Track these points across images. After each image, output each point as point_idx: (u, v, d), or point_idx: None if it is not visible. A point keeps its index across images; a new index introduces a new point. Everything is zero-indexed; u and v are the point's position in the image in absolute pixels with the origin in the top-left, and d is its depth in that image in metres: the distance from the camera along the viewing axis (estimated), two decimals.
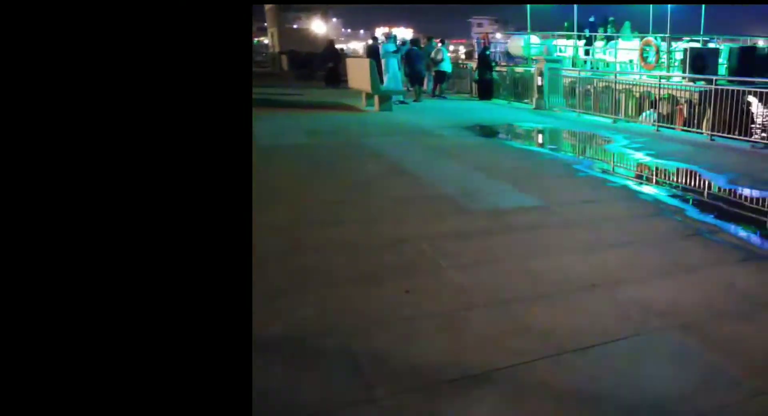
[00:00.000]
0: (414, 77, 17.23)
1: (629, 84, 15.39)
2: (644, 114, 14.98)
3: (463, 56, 27.40)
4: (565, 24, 21.81)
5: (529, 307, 3.54)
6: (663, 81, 14.82)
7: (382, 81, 14.90)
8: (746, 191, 6.84)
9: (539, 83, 15.90)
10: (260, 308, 2.93)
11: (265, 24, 44.47)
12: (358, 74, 15.12)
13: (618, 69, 17.49)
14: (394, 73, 15.99)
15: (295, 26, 42.19)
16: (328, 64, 23.07)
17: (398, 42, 17.78)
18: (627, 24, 19.91)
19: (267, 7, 40.35)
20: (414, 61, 17.05)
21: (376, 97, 14.23)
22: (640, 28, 19.69)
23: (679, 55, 16.70)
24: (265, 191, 6.03)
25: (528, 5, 21.77)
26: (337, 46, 31.35)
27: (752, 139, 10.31)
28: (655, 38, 17.51)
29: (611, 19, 21.01)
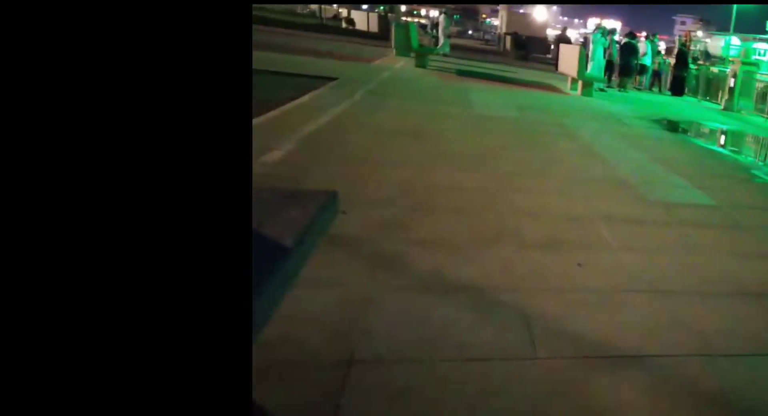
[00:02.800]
0: (623, 68, 15.78)
1: None
2: None
3: (663, 52, 24.70)
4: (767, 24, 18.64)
5: (685, 301, 3.15)
6: None
7: (587, 68, 13.84)
8: None
9: (731, 85, 13.88)
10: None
11: (498, 7, 42.93)
12: (567, 60, 14.16)
13: None
14: (598, 61, 14.78)
15: (521, 11, 40.29)
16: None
17: (606, 32, 16.29)
18: None
19: None
20: (626, 53, 15.59)
21: (579, 82, 13.26)
22: None
23: None
24: (470, 158, 5.90)
25: (734, 5, 18.81)
26: (554, 32, 29.57)
27: None
28: None
29: None
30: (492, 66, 18.52)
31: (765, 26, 19.36)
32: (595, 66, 14.61)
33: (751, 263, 3.82)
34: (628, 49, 15.57)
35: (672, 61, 17.22)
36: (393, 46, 17.83)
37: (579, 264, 3.43)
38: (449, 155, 5.83)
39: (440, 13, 22.81)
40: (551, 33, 42.23)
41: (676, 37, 32.55)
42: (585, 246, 3.77)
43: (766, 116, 12.60)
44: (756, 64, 15.42)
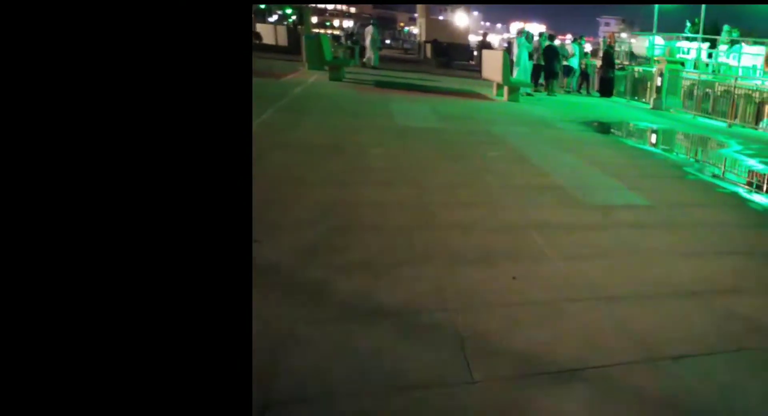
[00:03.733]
0: (548, 72, 16.53)
1: (750, 89, 14.02)
2: (764, 121, 13.61)
3: (589, 53, 26.15)
4: (687, 23, 20.16)
5: (626, 306, 3.28)
6: None
7: (512, 73, 14.41)
8: None
9: (658, 84, 14.84)
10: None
11: (416, 14, 44.11)
12: (491, 65, 14.69)
13: (741, 73, 15.97)
14: (524, 66, 15.43)
15: (440, 17, 41.63)
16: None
17: (531, 36, 17.05)
18: (726, 28, 18.19)
19: None
20: (549, 56, 16.35)
21: (505, 88, 13.78)
22: (758, 33, 17.90)
23: None
24: (395, 171, 5.97)
25: (656, 5, 20.21)
26: (477, 38, 30.70)
27: None
28: None
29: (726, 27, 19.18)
30: (412, 75, 18.94)
31: (685, 25, 20.91)
32: (521, 71, 15.25)
33: (688, 262, 4.05)
34: (551, 53, 16.37)
35: (598, 62, 18.25)
36: (305, 59, 17.95)
37: (514, 277, 3.51)
38: (372, 170, 5.88)
39: (369, 24, 23.19)
40: (474, 39, 43.82)
41: (601, 39, 34.54)
42: (520, 258, 3.87)
43: (693, 113, 13.51)
44: (681, 62, 16.59)
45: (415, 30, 47.92)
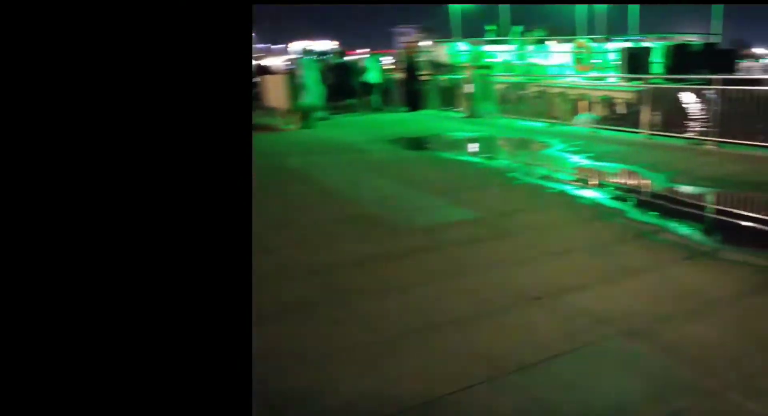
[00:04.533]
0: (345, 90, 17.29)
1: (563, 87, 15.78)
2: (580, 116, 15.35)
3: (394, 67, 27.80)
4: (485, 27, 22.25)
5: (468, 328, 3.53)
6: (598, 83, 15.28)
7: (301, 98, 14.87)
8: (685, 188, 7.03)
9: (469, 91, 16.16)
10: None
11: None
12: (276, 92, 15.05)
13: (552, 72, 17.92)
14: (315, 88, 15.98)
15: None
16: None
17: (317, 54, 17.81)
18: (514, 29, 20.55)
19: None
20: (343, 74, 17.13)
21: (296, 115, 14.16)
22: (564, 31, 20.33)
23: (612, 56, 17.21)
24: None
25: (449, 6, 22.06)
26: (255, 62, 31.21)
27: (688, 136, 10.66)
28: (587, 40, 18.03)
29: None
30: None
31: (483, 29, 23.10)
32: (313, 93, 15.77)
33: (526, 268, 4.45)
34: (344, 70, 17.24)
35: (401, 75, 19.44)
36: None
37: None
38: None
39: None
40: (270, 62, 44.33)
41: (400, 51, 36.68)
42: (345, 299, 4.00)
43: (511, 116, 14.89)
44: (488, 66, 18.24)
45: None
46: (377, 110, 18.26)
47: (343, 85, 17.24)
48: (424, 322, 3.59)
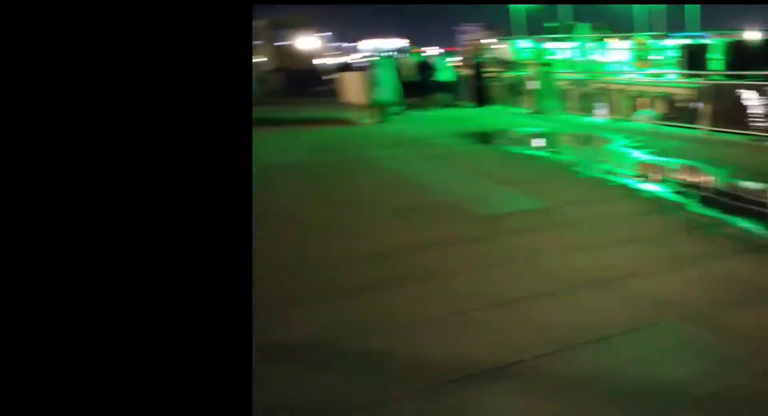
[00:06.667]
0: (425, 87, 17.52)
1: (624, 84, 15.58)
2: (640, 113, 15.15)
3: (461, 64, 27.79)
4: (545, 25, 22.01)
5: (536, 306, 3.71)
6: (658, 79, 15.03)
7: (377, 93, 15.08)
8: (746, 184, 6.96)
9: (533, 87, 16.10)
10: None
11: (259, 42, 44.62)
12: (353, 88, 15.29)
13: (612, 69, 17.69)
14: (391, 84, 16.16)
15: (286, 43, 42.25)
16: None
17: (392, 52, 18.00)
18: (578, 26, 20.18)
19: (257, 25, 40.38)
20: (420, 71, 17.34)
21: (372, 110, 14.39)
22: (624, 28, 19.98)
23: (671, 53, 16.90)
24: (258, 214, 6.17)
25: (509, 6, 21.94)
26: (324, 61, 31.60)
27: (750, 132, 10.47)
28: (646, 37, 17.73)
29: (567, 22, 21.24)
30: (262, 109, 19.21)
31: (543, 28, 22.89)
32: (388, 90, 15.96)
33: (583, 255, 4.60)
34: (422, 68, 17.41)
35: (470, 72, 19.49)
36: None
37: None
38: None
39: None
40: (327, 62, 44.85)
41: (467, 49, 36.53)
42: (421, 279, 4.20)
43: (574, 112, 14.80)
44: (549, 63, 18.12)
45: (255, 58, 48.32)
46: (446, 106, 18.33)
47: (417, 83, 17.40)
48: (498, 299, 3.78)
